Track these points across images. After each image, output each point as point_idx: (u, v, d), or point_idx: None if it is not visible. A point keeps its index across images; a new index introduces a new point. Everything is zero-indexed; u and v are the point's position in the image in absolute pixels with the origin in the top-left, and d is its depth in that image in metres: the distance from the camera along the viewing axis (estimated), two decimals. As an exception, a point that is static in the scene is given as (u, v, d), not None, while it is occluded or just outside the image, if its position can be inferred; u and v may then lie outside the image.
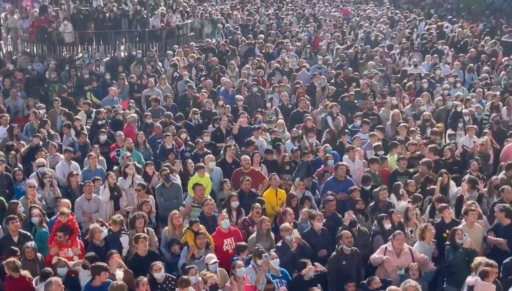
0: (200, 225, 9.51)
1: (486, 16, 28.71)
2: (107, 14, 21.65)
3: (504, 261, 8.49)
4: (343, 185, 11.17)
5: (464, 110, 14.58)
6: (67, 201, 10.15)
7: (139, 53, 20.14)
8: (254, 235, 9.69)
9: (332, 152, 12.60)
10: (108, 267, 8.18)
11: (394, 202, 10.61)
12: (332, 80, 17.68)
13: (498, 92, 16.20)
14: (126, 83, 17.30)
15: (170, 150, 12.72)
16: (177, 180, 11.57)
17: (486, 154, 12.64)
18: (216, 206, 10.77)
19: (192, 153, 13.02)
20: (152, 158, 13.03)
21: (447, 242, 9.06)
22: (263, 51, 21.28)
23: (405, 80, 17.48)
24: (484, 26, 25.69)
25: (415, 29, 25.45)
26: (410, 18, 27.66)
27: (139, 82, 17.64)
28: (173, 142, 12.98)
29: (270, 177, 11.22)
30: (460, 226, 9.25)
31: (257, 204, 10.22)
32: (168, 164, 11.97)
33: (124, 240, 9.41)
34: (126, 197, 11.16)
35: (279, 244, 9.33)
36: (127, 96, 17.09)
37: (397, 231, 9.14)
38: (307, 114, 14.64)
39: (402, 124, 13.74)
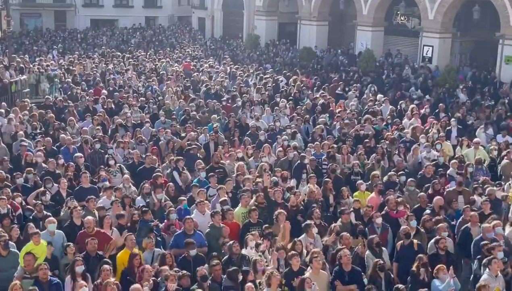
0: None
1: (317, 70, 30.77)
2: None
3: None
4: (192, 238, 11.01)
5: (306, 161, 15.29)
6: None
7: (-32, 111, 18.78)
8: None
9: (186, 207, 12.55)
10: None
11: (246, 253, 10.72)
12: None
13: (332, 142, 17.22)
14: None
15: (5, 214, 11.78)
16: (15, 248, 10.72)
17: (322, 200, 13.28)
18: (60, 272, 10.16)
19: (31, 216, 12.19)
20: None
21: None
22: (105, 107, 20.86)
23: (248, 133, 18.09)
24: (315, 80, 27.46)
25: (253, 83, 26.51)
26: (247, 73, 28.81)
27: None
28: (8, 206, 12.08)
29: (126, 237, 10.77)
30: (307, 275, 9.54)
31: (106, 266, 9.74)
32: (1, 230, 11.04)
33: None
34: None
35: None
36: None
37: (247, 284, 9.20)
38: (156, 170, 14.51)
39: (245, 176, 14.07)
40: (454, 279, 9.66)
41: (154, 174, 13.99)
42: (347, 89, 25.28)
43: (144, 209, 12.16)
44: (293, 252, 10.26)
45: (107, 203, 12.68)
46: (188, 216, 11.68)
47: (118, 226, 11.76)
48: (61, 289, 9.74)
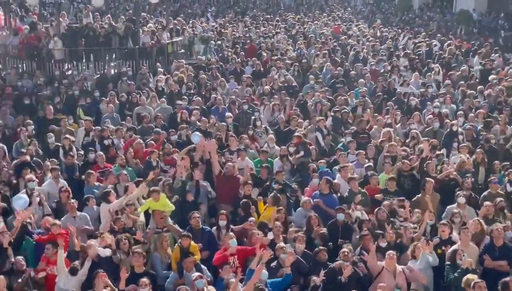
0: (193, 243, 9.50)
1: (474, 34, 28.95)
2: (97, 31, 21.51)
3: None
4: (326, 198, 11.20)
5: (459, 130, 14.58)
6: (50, 219, 10.06)
7: (129, 70, 20.04)
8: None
9: (325, 169, 12.58)
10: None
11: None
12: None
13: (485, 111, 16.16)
14: (117, 101, 17.00)
15: (155, 167, 12.60)
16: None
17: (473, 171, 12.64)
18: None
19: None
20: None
21: (447, 262, 9.09)
22: (254, 69, 21.29)
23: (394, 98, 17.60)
24: (472, 45, 25.87)
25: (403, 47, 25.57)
26: (396, 36, 27.87)
27: (129, 99, 17.44)
28: (157, 160, 12.86)
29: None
30: (456, 246, 9.25)
31: (252, 218, 10.31)
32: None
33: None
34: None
35: (274, 263, 9.21)
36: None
37: (389, 251, 9.14)
38: (299, 130, 14.60)
39: (390, 143, 13.70)
40: None
41: (295, 134, 14.01)
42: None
43: (277, 170, 12.40)
44: (443, 221, 9.99)
45: (239, 164, 12.92)
46: (326, 177, 11.74)
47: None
48: (213, 237, 10.30)
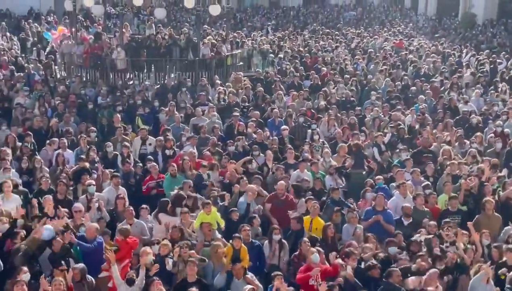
0: (244, 246, 9.70)
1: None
2: (159, 42, 21.92)
3: None
4: (383, 215, 11.07)
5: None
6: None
7: (189, 82, 20.31)
8: None
9: (383, 185, 12.38)
10: None
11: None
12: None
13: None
14: (176, 112, 17.15)
15: (205, 180, 12.71)
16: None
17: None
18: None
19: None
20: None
21: (508, 286, 8.86)
22: (312, 82, 21.22)
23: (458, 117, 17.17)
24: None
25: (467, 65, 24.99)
26: (459, 53, 27.26)
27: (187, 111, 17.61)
28: (208, 172, 12.89)
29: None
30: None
31: (305, 239, 10.11)
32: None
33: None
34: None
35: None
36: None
37: (433, 269, 8.96)
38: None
39: (450, 161, 13.37)
40: None
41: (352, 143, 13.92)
42: None
43: (333, 187, 12.25)
44: (510, 246, 9.68)
45: (296, 176, 12.94)
46: (381, 193, 11.57)
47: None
48: (262, 253, 10.27)
